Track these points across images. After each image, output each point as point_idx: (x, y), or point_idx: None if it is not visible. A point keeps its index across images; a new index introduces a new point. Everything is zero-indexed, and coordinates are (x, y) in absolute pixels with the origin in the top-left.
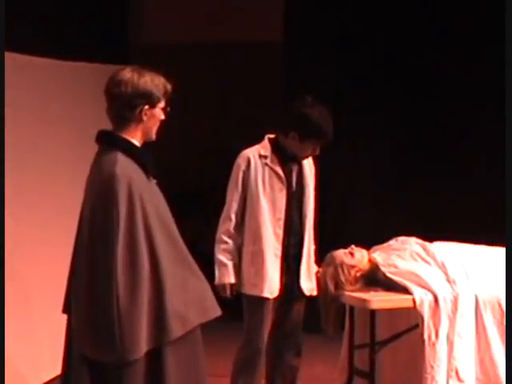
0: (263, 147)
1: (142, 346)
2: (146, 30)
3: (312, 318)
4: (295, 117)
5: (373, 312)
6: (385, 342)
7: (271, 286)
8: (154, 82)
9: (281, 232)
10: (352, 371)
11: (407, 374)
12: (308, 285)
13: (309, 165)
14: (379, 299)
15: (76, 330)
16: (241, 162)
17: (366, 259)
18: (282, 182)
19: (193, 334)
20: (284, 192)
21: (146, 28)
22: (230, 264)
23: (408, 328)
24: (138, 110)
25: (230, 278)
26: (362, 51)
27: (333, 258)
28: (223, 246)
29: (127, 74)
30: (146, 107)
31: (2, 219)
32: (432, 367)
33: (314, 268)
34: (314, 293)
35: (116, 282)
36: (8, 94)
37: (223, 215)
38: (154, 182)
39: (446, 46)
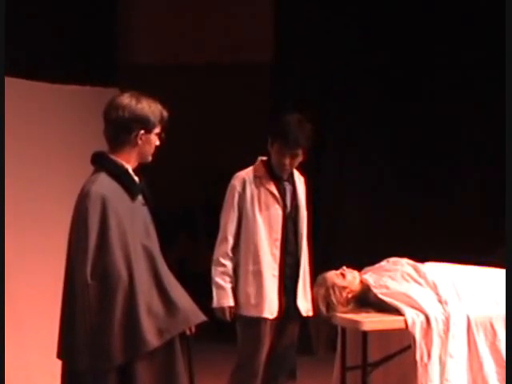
0: (257, 168)
1: (115, 355)
2: (135, 52)
3: (303, 340)
4: (274, 125)
5: (365, 333)
6: (377, 364)
7: (271, 307)
8: (151, 108)
9: (277, 252)
10: None
11: None
12: (305, 305)
13: (301, 185)
14: (371, 320)
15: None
16: (236, 183)
17: (357, 280)
18: (277, 202)
19: (171, 345)
20: (280, 212)
21: (135, 50)
22: (228, 287)
23: (400, 349)
24: (133, 134)
25: (229, 301)
26: (351, 72)
27: (324, 280)
28: (221, 269)
29: (126, 99)
30: (142, 132)
31: (2, 221)
32: None
33: (308, 288)
34: (310, 313)
35: (87, 292)
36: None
37: (220, 237)
38: (140, 204)
39: (437, 67)
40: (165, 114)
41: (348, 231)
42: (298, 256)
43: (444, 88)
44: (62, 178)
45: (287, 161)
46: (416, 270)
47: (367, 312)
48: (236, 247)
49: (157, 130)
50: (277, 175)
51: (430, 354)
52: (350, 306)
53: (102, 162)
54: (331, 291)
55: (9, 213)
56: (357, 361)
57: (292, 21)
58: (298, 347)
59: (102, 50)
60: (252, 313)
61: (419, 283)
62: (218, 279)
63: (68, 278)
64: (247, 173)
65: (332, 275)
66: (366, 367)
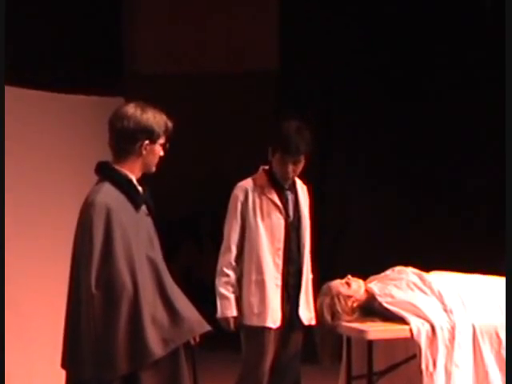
0: (259, 178)
1: (120, 365)
2: (141, 62)
3: (309, 349)
4: (274, 134)
5: (370, 342)
6: (382, 373)
7: (274, 316)
8: (156, 119)
9: (280, 261)
10: None
11: None
12: (307, 314)
13: (303, 194)
14: (376, 329)
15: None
16: (238, 192)
17: (362, 289)
18: (279, 212)
19: (175, 355)
20: (282, 221)
21: (140, 60)
22: (232, 297)
23: (405, 358)
24: (138, 145)
25: (233, 312)
26: (357, 79)
27: (329, 289)
28: (225, 279)
29: (131, 109)
30: (147, 142)
31: (2, 224)
32: None
33: (311, 297)
34: (313, 322)
35: (92, 302)
36: (6, 126)
37: (223, 247)
38: (144, 213)
39: (440, 67)
40: (169, 124)
41: (353, 240)
42: (300, 265)
43: (448, 88)
44: (68, 186)
45: (290, 168)
46: (421, 278)
47: (372, 321)
48: (240, 257)
49: (161, 140)
50: (279, 184)
51: (436, 363)
52: (355, 315)
53: (106, 172)
54: (336, 300)
55: (13, 220)
56: (362, 370)
57: (296, 28)
58: (304, 356)
59: (107, 59)
60: (255, 322)
61: (424, 292)
62: (222, 289)
63: (72, 287)
64: (249, 182)
65: (337, 284)
66: (371, 376)
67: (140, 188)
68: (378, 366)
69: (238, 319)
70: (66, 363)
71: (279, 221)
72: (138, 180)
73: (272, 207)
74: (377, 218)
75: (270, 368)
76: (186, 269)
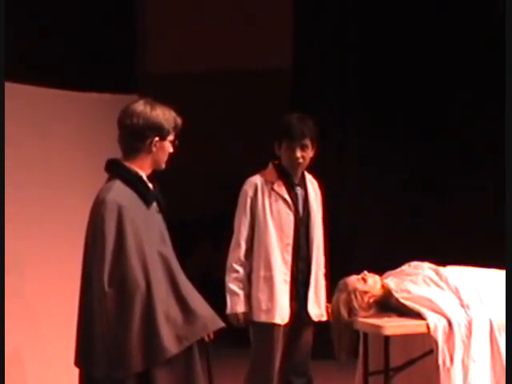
0: (269, 173)
1: (134, 363)
2: (155, 60)
3: (325, 345)
4: (278, 127)
5: (387, 338)
6: (399, 368)
7: (282, 312)
8: (165, 116)
9: (289, 258)
10: None
11: None
12: (316, 311)
13: (314, 190)
14: (393, 325)
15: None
16: (248, 188)
17: (378, 285)
18: (289, 207)
19: (189, 352)
20: (291, 217)
21: (154, 58)
22: (241, 293)
23: (422, 354)
24: (148, 142)
25: (242, 307)
26: (371, 80)
27: (345, 285)
28: (234, 275)
29: (140, 106)
30: (156, 139)
31: (3, 223)
32: None
33: (323, 293)
34: (323, 318)
35: (105, 300)
36: (20, 125)
37: (233, 243)
38: (155, 211)
39: (455, 72)
40: (178, 121)
41: (368, 236)
42: (310, 261)
43: (462, 88)
44: (80, 184)
45: (298, 154)
46: (437, 273)
47: (389, 316)
48: (250, 253)
49: (171, 137)
50: (288, 179)
51: (453, 359)
52: (372, 311)
53: (116, 170)
54: (353, 296)
55: (25, 219)
56: (379, 366)
57: (310, 27)
58: (320, 353)
59: (120, 58)
60: (263, 318)
61: (441, 287)
62: (231, 285)
63: (85, 286)
64: (259, 177)
65: (353, 280)
66: (388, 372)
67: (150, 185)
68: (394, 362)
69: (247, 315)
70: (79, 361)
71: (288, 216)
72: (148, 177)
73: (281, 202)
74: (391, 213)
75: (281, 364)
76: (204, 269)
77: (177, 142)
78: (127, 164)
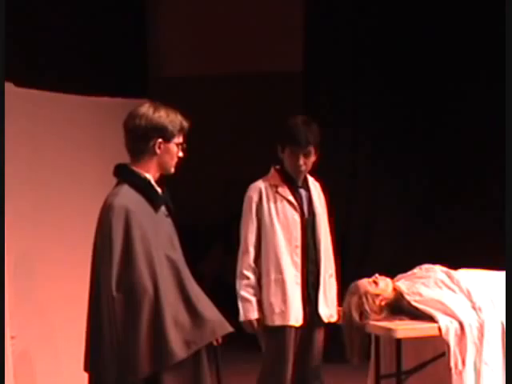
0: (272, 177)
1: (142, 367)
2: (166, 64)
3: (337, 348)
4: (281, 130)
5: (399, 341)
6: (411, 371)
7: (296, 314)
8: (169, 118)
9: (299, 260)
10: None
11: None
12: (326, 311)
13: (317, 192)
14: (405, 328)
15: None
16: (252, 193)
17: (390, 288)
18: (295, 210)
19: (197, 357)
20: (298, 219)
21: (165, 61)
22: (253, 299)
23: (434, 357)
24: (151, 143)
25: (256, 314)
26: (383, 81)
27: (357, 288)
28: (245, 282)
29: (143, 108)
30: (160, 140)
31: (2, 221)
32: None
33: (333, 294)
34: (332, 319)
35: (113, 305)
36: (33, 129)
37: (241, 249)
38: (163, 215)
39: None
40: (184, 124)
41: (380, 239)
42: (318, 262)
43: (477, 85)
44: (92, 188)
45: (301, 161)
46: (449, 276)
47: (401, 319)
48: (258, 258)
49: (176, 139)
50: (292, 182)
51: (465, 362)
52: (384, 314)
53: (124, 174)
54: (364, 299)
55: (36, 221)
56: (391, 369)
57: (322, 29)
58: (332, 356)
59: (132, 62)
60: (277, 322)
61: (452, 290)
62: (243, 292)
63: (93, 291)
64: (262, 182)
65: (365, 283)
66: (400, 375)
67: (159, 189)
68: (406, 365)
69: (261, 321)
70: (89, 366)
71: (295, 219)
72: (156, 181)
73: (287, 205)
74: (403, 217)
75: (293, 367)
76: (217, 272)
77: (184, 146)
78: (135, 168)
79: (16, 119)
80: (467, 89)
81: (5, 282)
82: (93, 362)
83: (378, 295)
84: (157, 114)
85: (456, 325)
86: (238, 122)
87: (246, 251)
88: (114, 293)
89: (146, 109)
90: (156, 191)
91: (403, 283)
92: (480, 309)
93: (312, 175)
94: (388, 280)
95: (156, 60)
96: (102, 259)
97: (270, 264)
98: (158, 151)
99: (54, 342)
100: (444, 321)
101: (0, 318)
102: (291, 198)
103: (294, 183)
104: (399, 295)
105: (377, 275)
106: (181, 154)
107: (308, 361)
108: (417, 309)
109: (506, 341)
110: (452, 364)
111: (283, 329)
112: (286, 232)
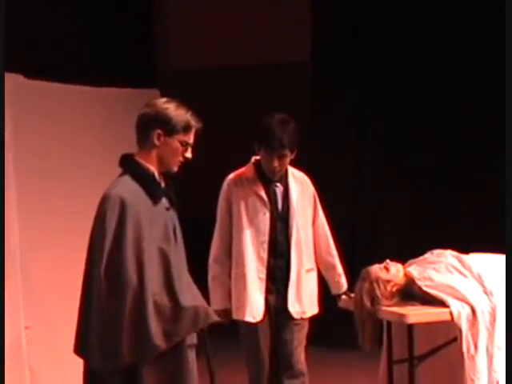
0: (247, 170)
1: (122, 356)
2: (173, 55)
3: (349, 334)
4: (257, 129)
5: (410, 326)
6: (423, 357)
7: (253, 310)
8: (177, 112)
9: (265, 254)
10: None
11: None
12: (296, 308)
13: (300, 186)
14: (416, 313)
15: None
16: (225, 185)
17: (401, 273)
18: (264, 205)
19: (179, 347)
20: (267, 215)
21: (173, 53)
22: (218, 291)
23: (446, 342)
24: (151, 133)
25: (217, 305)
26: (390, 71)
27: (368, 274)
28: (212, 273)
29: (158, 99)
30: (159, 131)
31: (2, 220)
32: (472, 380)
33: (308, 290)
34: (306, 315)
35: (100, 292)
36: (43, 119)
37: (213, 240)
38: (164, 208)
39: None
40: (193, 123)
41: (390, 224)
42: (289, 258)
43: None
44: (102, 179)
45: (276, 163)
46: (460, 261)
47: (412, 305)
48: (230, 250)
49: (181, 136)
50: (267, 177)
51: (477, 346)
52: (395, 300)
53: (126, 165)
54: (375, 285)
55: (49, 213)
56: (403, 354)
57: (329, 19)
58: (344, 342)
59: (140, 54)
60: (236, 316)
61: (464, 275)
62: (210, 283)
63: (85, 277)
64: (238, 174)
65: (376, 269)
66: (412, 360)
67: (162, 182)
68: (418, 350)
69: (228, 312)
70: (77, 349)
71: (265, 214)
72: (162, 174)
73: (257, 200)
74: (414, 201)
75: (269, 359)
76: None
77: (191, 146)
78: (138, 159)
79: (26, 110)
80: (477, 88)
81: (18, 273)
82: (81, 345)
83: (389, 281)
84: (165, 105)
85: (468, 309)
86: (245, 112)
87: (216, 243)
88: (102, 279)
89: (159, 100)
90: (156, 184)
91: (414, 269)
92: (491, 293)
93: (318, 162)
94: (399, 266)
95: (164, 51)
96: (95, 247)
97: (235, 258)
98: (156, 143)
99: (68, 331)
100: (456, 305)
101: (0, 315)
102: (262, 193)
103: (268, 177)
104: (410, 281)
105: (388, 261)
106: (189, 155)
107: (281, 355)
108: (428, 294)
109: (506, 340)
110: (464, 349)
111: (248, 323)
112: (253, 227)
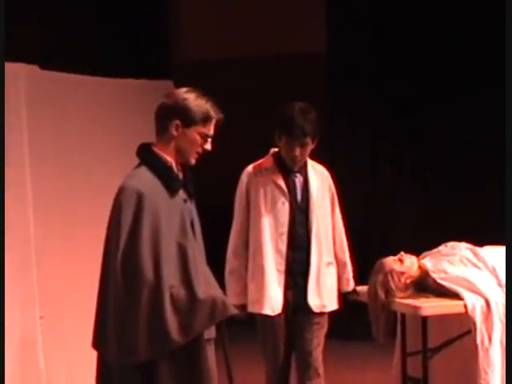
0: (266, 161)
1: (139, 351)
2: (188, 46)
3: (363, 326)
4: (278, 117)
5: (424, 319)
6: (437, 349)
7: (272, 303)
8: (196, 102)
9: (284, 247)
10: (405, 379)
11: (461, 380)
12: (316, 301)
13: (317, 176)
14: (430, 305)
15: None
16: (244, 177)
17: (415, 266)
18: (284, 196)
19: (196, 343)
20: (287, 206)
21: (187, 44)
22: (236, 285)
23: (460, 334)
24: (169, 124)
25: (233, 300)
26: (405, 64)
27: (382, 266)
28: (229, 267)
29: (178, 90)
30: (177, 122)
31: (3, 220)
32: (486, 373)
33: (328, 284)
34: (325, 310)
35: (117, 287)
36: (58, 110)
37: (231, 233)
38: (181, 200)
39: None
40: (213, 114)
41: (405, 216)
42: (309, 251)
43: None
44: (117, 170)
45: (297, 152)
46: (475, 253)
47: (426, 297)
48: (247, 243)
49: (200, 128)
50: (285, 167)
51: (491, 339)
52: (409, 292)
53: (143, 155)
54: (389, 277)
55: (63, 203)
56: (417, 346)
57: (345, 10)
58: (358, 334)
59: (155, 44)
60: (253, 309)
61: (478, 267)
62: (227, 277)
63: (102, 272)
64: (256, 166)
65: (390, 261)
66: (426, 353)
67: (180, 173)
68: (432, 343)
69: (245, 307)
70: (95, 343)
71: (284, 205)
72: (180, 165)
73: (276, 191)
74: (428, 194)
75: (286, 355)
76: None
77: (209, 139)
78: (156, 149)
79: (41, 101)
80: (490, 89)
81: (33, 263)
82: (99, 339)
83: (403, 273)
84: (185, 96)
85: (482, 302)
86: (259, 104)
87: (235, 235)
88: (119, 273)
89: (179, 90)
90: (173, 175)
91: (428, 261)
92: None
93: (334, 155)
94: (413, 258)
95: (179, 42)
96: (111, 241)
97: (253, 250)
98: (174, 133)
99: (82, 320)
100: (470, 298)
101: (0, 311)
102: (282, 183)
103: (289, 168)
104: (424, 273)
105: (402, 253)
106: (208, 147)
107: (299, 349)
108: (442, 286)
109: (506, 339)
110: (478, 341)
111: (265, 317)
112: (272, 218)
